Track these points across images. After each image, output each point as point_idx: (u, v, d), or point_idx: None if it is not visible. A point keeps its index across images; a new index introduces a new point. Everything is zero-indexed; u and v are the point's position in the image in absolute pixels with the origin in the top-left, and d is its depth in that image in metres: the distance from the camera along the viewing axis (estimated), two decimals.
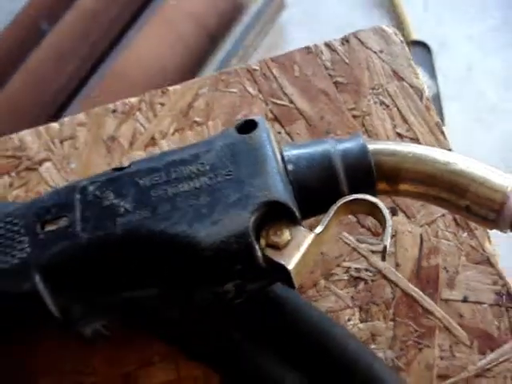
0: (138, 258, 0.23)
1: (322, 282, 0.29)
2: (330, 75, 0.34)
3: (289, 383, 0.25)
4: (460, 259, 0.29)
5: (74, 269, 0.23)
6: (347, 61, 0.34)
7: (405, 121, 0.32)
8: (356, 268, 0.29)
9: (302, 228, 0.23)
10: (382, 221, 0.24)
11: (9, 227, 0.24)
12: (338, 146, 0.25)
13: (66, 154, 0.34)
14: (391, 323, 0.28)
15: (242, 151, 0.24)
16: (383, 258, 0.23)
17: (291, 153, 0.25)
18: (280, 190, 0.23)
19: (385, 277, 0.29)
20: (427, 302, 0.29)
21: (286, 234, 0.23)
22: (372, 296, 0.29)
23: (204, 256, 0.22)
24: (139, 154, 0.33)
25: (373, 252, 0.30)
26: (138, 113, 0.34)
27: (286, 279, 0.23)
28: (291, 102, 0.33)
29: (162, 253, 0.23)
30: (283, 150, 0.25)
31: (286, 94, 0.33)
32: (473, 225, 0.30)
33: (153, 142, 0.33)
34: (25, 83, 1.08)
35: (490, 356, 0.27)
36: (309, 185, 0.24)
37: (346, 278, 0.29)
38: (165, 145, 0.33)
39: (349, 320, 0.29)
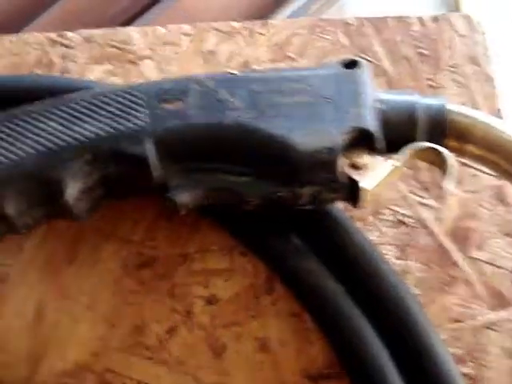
0: (239, 148, 0.27)
1: (370, 218, 0.33)
2: (415, 45, 0.37)
3: (329, 290, 0.29)
4: (492, 228, 0.33)
5: (182, 145, 0.27)
6: (433, 36, 0.37)
7: (473, 101, 0.36)
8: (402, 213, 0.33)
9: (380, 157, 0.27)
10: (445, 170, 0.28)
11: (133, 98, 0.28)
12: (423, 100, 0.29)
13: (167, 57, 0.38)
14: (421, 266, 0.33)
15: (343, 82, 0.28)
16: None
17: (384, 96, 0.28)
18: (370, 121, 0.27)
19: (425, 226, 0.33)
20: (456, 255, 0.33)
21: (366, 158, 0.27)
22: (410, 239, 0.33)
23: (296, 159, 0.26)
24: None
25: (420, 204, 0.34)
26: (238, 36, 0.38)
27: (354, 197, 0.27)
28: (378, 60, 0.37)
29: (261, 148, 0.27)
30: (378, 92, 0.29)
31: (373, 52, 0.37)
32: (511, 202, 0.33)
33: (247, 65, 0.37)
34: None
35: (501, 313, 0.31)
36: (391, 125, 0.28)
37: (391, 219, 0.33)
38: None
39: (385, 255, 0.33)
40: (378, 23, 0.38)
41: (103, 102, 0.27)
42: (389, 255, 0.33)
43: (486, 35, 0.37)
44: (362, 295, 0.29)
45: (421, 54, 0.37)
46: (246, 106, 0.27)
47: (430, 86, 0.36)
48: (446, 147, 0.29)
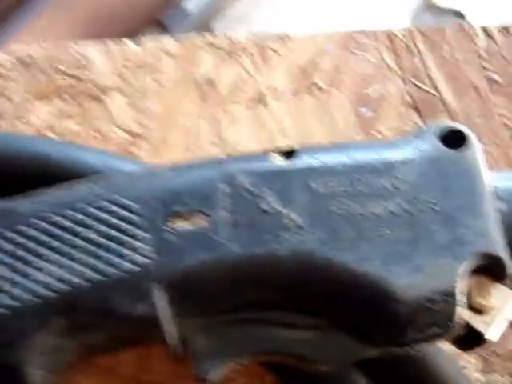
0: (301, 290, 0.17)
1: None
2: (483, 67, 0.28)
3: None
4: None
5: (211, 290, 0.17)
6: (506, 55, 0.28)
7: None
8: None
9: (507, 290, 0.18)
10: None
11: (126, 215, 0.17)
12: None
13: (144, 88, 0.26)
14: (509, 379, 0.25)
15: (449, 173, 0.18)
16: None
17: (502, 185, 0.19)
18: (497, 239, 0.18)
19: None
20: None
21: (494, 298, 0.18)
22: (495, 344, 0.25)
23: (396, 310, 0.17)
24: (240, 110, 0.26)
25: None
26: (243, 56, 0.27)
27: (470, 346, 0.18)
28: (436, 89, 0.27)
29: (337, 291, 0.17)
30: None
31: (430, 78, 0.27)
32: None
33: (260, 98, 0.26)
34: None
35: None
36: None
37: None
38: (275, 107, 0.26)
39: (464, 368, 0.24)
40: (433, 35, 0.28)
41: (75, 223, 0.17)
42: (469, 368, 0.24)
43: None
44: None
45: (491, 81, 0.28)
46: (311, 221, 0.17)
47: (506, 126, 0.27)
48: None
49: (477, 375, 0.25)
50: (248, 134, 0.26)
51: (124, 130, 0.26)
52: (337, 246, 0.17)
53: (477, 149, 0.19)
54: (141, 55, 0.27)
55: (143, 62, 0.27)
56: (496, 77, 0.28)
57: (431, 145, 0.19)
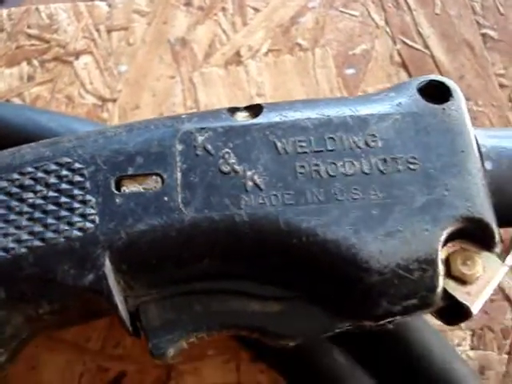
0: (264, 259, 0.16)
1: None
2: (478, 23, 0.26)
3: None
4: None
5: (162, 256, 0.15)
6: (502, 10, 0.26)
7: None
8: None
9: (495, 258, 0.16)
10: None
11: (68, 174, 0.16)
12: None
13: (115, 50, 0.25)
14: (505, 357, 0.23)
15: (431, 129, 0.17)
16: None
17: (488, 144, 0.17)
18: (482, 201, 0.16)
19: (507, 298, 0.23)
20: None
21: (479, 266, 0.16)
22: (489, 320, 0.23)
23: (368, 280, 0.15)
24: (217, 71, 0.24)
25: None
26: (220, 13, 0.25)
27: (453, 319, 0.17)
28: (426, 46, 0.25)
29: (303, 260, 0.15)
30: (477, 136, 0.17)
31: (421, 35, 0.25)
32: None
33: (237, 58, 0.25)
34: None
35: None
36: (507, 194, 0.17)
37: None
38: (253, 66, 0.25)
39: (458, 345, 0.23)
40: None
41: (16, 186, 0.15)
42: (462, 346, 0.23)
43: None
44: None
45: (487, 37, 0.26)
46: (272, 182, 0.16)
47: (502, 86, 0.25)
48: None
49: (471, 353, 0.23)
50: (224, 96, 0.24)
51: (94, 95, 0.24)
52: (302, 210, 0.15)
53: (462, 103, 0.17)
54: (112, 16, 0.25)
55: (114, 24, 0.25)
56: (491, 32, 0.26)
57: (412, 99, 0.17)
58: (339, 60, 0.25)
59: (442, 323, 0.18)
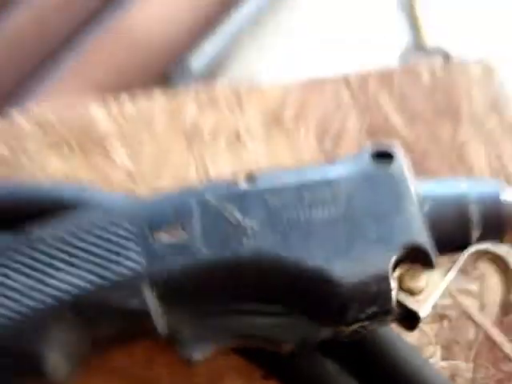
0: (262, 284, 0.21)
1: None
2: (428, 97, 0.32)
3: None
4: None
5: (191, 287, 0.21)
6: (447, 86, 0.33)
7: (500, 154, 0.31)
8: (442, 305, 0.29)
9: (436, 273, 0.22)
10: (505, 271, 0.23)
11: (120, 232, 0.22)
12: (474, 189, 0.24)
13: (139, 136, 0.31)
14: (471, 365, 0.28)
15: (379, 183, 0.23)
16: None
17: (427, 190, 0.23)
18: (421, 233, 0.22)
19: (469, 317, 0.29)
20: (508, 348, 0.28)
21: (423, 281, 0.22)
22: (455, 335, 0.28)
23: (339, 296, 0.21)
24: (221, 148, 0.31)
25: (459, 291, 0.29)
26: (223, 102, 0.32)
27: (409, 325, 0.22)
28: (388, 120, 0.32)
29: (293, 284, 0.21)
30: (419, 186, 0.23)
31: (382, 110, 0.32)
32: None
33: (238, 137, 0.31)
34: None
35: None
36: (442, 228, 0.23)
37: (431, 313, 0.28)
38: (250, 144, 0.31)
39: (430, 357, 0.28)
40: (383, 75, 0.33)
41: (81, 241, 0.21)
42: (434, 357, 0.28)
43: (503, 79, 0.33)
44: None
45: (436, 108, 0.32)
46: (266, 228, 0.21)
47: (452, 146, 0.31)
48: (504, 241, 0.24)
49: (442, 364, 0.28)
50: (228, 168, 0.30)
51: (123, 171, 0.31)
52: (287, 245, 0.21)
53: (403, 163, 0.23)
54: (137, 110, 0.32)
55: (139, 116, 0.32)
56: (439, 104, 0.32)
57: (365, 162, 0.23)
58: (318, 134, 0.31)
59: (407, 332, 0.23)
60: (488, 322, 0.29)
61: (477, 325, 0.29)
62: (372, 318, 0.21)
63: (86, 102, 0.33)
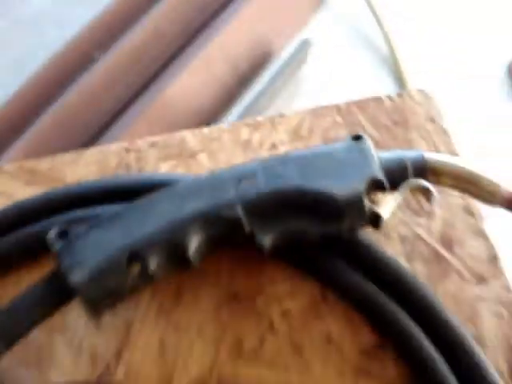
0: (299, 202, 0.41)
1: (382, 239, 0.47)
2: (389, 117, 0.53)
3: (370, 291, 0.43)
4: (467, 232, 0.48)
5: (261, 206, 0.41)
6: (401, 108, 0.53)
7: (436, 148, 0.51)
8: (403, 234, 0.48)
9: (389, 194, 0.42)
10: (429, 197, 0.43)
11: (222, 180, 0.41)
12: (409, 153, 0.43)
13: (215, 149, 0.52)
14: (424, 265, 0.46)
15: (357, 151, 0.43)
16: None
17: (383, 154, 0.43)
18: (378, 173, 0.41)
19: (421, 239, 0.48)
20: (447, 254, 0.47)
21: (381, 197, 0.41)
22: (413, 250, 0.47)
23: (338, 205, 0.40)
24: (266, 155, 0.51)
25: (415, 224, 0.48)
26: (264, 126, 0.53)
27: (377, 224, 0.42)
28: (364, 130, 0.52)
29: (314, 201, 0.41)
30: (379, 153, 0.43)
31: (362, 126, 0.52)
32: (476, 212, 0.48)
33: (274, 146, 0.52)
34: (73, 104, 1.23)
35: (483, 287, 0.45)
36: (391, 173, 0.42)
37: (397, 238, 0.47)
38: (282, 151, 0.51)
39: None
40: (363, 104, 0.53)
41: (202, 185, 0.41)
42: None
43: (436, 100, 0.53)
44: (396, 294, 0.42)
45: (394, 122, 0.53)
46: (296, 175, 0.41)
47: (405, 143, 0.51)
48: (428, 181, 0.43)
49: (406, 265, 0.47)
50: None
51: None
52: (310, 182, 0.41)
53: (368, 142, 0.43)
54: (211, 132, 0.53)
55: (213, 137, 0.53)
56: (397, 119, 0.53)
57: (348, 142, 0.43)
58: (324, 142, 0.52)
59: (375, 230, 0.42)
60: (433, 241, 0.47)
61: (427, 244, 0.47)
62: (356, 217, 0.41)
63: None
